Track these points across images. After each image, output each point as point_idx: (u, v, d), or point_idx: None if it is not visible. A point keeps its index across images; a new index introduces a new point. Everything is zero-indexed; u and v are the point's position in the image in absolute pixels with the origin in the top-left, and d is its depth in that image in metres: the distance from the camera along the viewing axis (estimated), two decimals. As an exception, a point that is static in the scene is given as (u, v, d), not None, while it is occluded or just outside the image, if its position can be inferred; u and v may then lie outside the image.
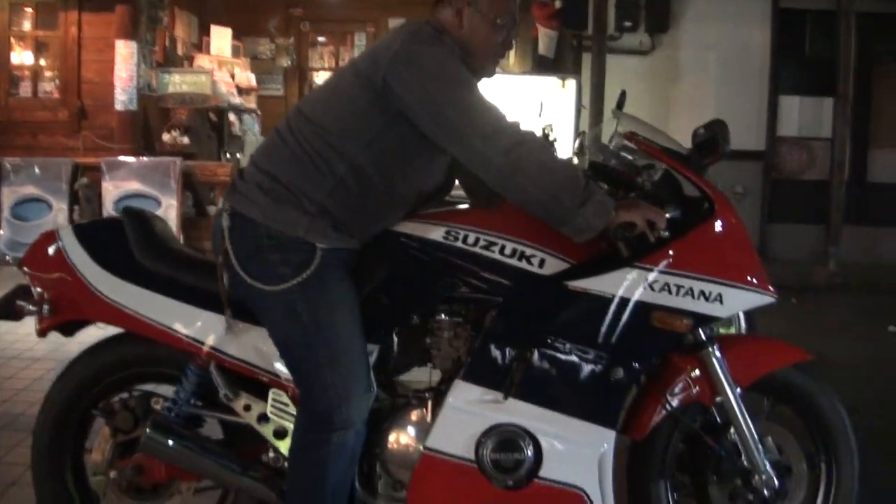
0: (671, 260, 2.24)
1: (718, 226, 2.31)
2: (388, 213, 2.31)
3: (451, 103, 2.14)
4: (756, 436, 2.36)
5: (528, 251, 2.25)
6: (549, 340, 2.24)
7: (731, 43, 9.26)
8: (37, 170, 8.84)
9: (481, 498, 2.22)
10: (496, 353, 2.23)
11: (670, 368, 2.37)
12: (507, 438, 2.20)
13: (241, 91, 10.36)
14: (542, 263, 2.25)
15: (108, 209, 8.61)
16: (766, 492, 2.37)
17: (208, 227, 8.35)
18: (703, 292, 2.24)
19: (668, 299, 2.23)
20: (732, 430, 2.37)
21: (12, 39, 9.67)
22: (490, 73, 2.41)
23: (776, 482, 2.38)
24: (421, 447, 2.23)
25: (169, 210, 8.50)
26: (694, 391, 2.36)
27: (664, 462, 2.41)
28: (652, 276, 2.23)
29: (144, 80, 9.25)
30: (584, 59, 8.83)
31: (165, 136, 9.40)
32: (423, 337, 2.34)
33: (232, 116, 9.97)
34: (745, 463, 2.37)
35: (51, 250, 2.41)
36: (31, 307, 2.40)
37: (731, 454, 2.38)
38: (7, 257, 8.64)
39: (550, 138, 6.18)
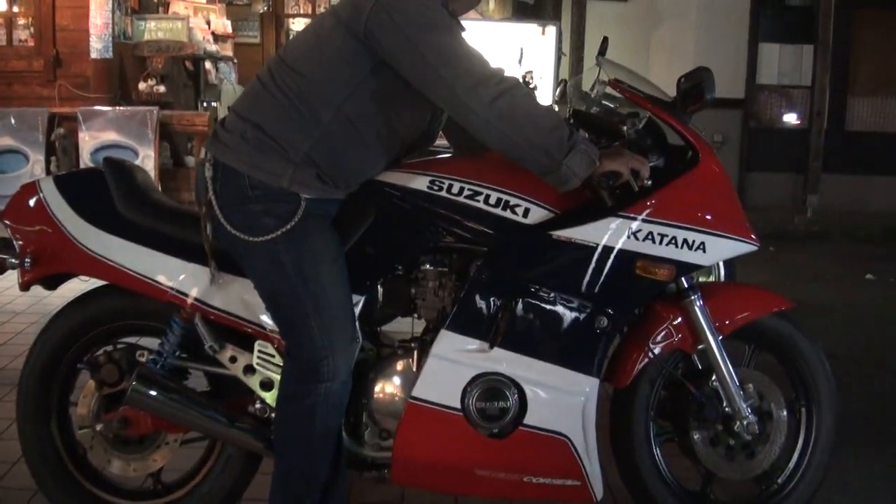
0: (655, 208, 2.25)
1: (702, 174, 2.32)
2: (372, 162, 2.29)
3: (434, 51, 2.11)
4: (737, 382, 2.39)
5: (513, 200, 2.24)
6: (533, 290, 2.25)
7: (712, -12, 9.21)
8: (12, 120, 8.70)
9: (467, 446, 2.25)
10: (481, 302, 2.24)
11: (653, 316, 2.40)
12: (492, 387, 2.23)
13: (218, 38, 10.20)
14: (526, 213, 2.24)
15: (85, 160, 8.51)
16: (747, 436, 2.42)
17: (186, 177, 8.34)
18: (686, 241, 2.26)
19: (652, 248, 2.24)
20: (714, 376, 2.41)
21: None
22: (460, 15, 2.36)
23: (757, 427, 2.42)
24: (407, 397, 2.25)
25: (146, 160, 8.41)
26: (676, 339, 2.38)
27: (647, 409, 2.44)
28: (636, 225, 2.24)
29: (120, 27, 9.09)
30: (564, 5, 8.77)
31: (142, 85, 9.26)
32: (408, 287, 2.34)
33: (208, 65, 9.84)
34: (727, 409, 2.41)
35: (31, 202, 2.38)
36: (12, 260, 2.36)
37: (713, 400, 2.41)
38: (-16, 209, 8.57)
39: (531, 85, 6.18)
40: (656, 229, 2.24)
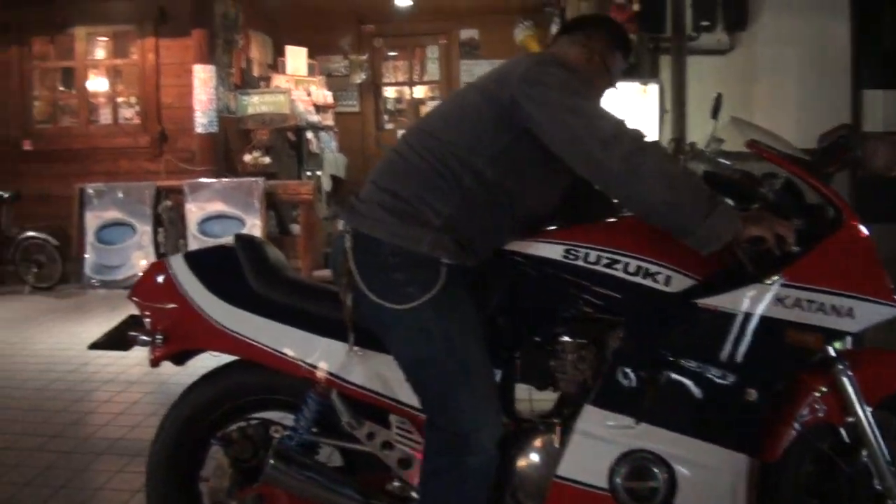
0: (802, 274, 2.15)
1: (847, 237, 2.20)
2: (507, 230, 2.29)
3: (571, 110, 2.15)
4: (888, 457, 2.23)
5: (653, 268, 2.18)
6: (679, 361, 2.16)
7: (811, 38, 8.99)
8: (120, 194, 9.02)
9: (616, 527, 2.15)
10: (625, 376, 2.17)
11: (799, 388, 2.26)
12: (640, 465, 2.13)
13: (319, 109, 10.46)
14: (667, 281, 2.17)
15: (192, 231, 8.74)
16: None
17: (293, 244, 8.47)
18: (834, 307, 2.15)
19: (800, 315, 2.13)
20: (864, 451, 2.25)
21: (91, 68, 9.90)
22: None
23: None
24: (551, 475, 2.17)
25: (253, 230, 8.60)
26: (824, 411, 2.24)
27: (796, 486, 2.29)
28: (783, 292, 2.14)
29: (223, 102, 9.39)
30: (662, 62, 8.69)
31: (246, 157, 9.53)
32: (546, 359, 2.27)
33: (310, 134, 10.07)
34: (878, 486, 2.24)
35: (161, 279, 2.41)
36: (143, 337, 2.39)
37: (864, 476, 2.25)
38: (93, 281, 8.82)
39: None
40: (804, 295, 2.14)
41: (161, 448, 2.46)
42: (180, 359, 2.51)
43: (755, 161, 2.86)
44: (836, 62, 9.02)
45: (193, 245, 8.70)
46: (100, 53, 10.09)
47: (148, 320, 2.40)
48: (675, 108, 7.79)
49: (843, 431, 2.28)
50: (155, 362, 2.42)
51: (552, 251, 2.24)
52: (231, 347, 2.34)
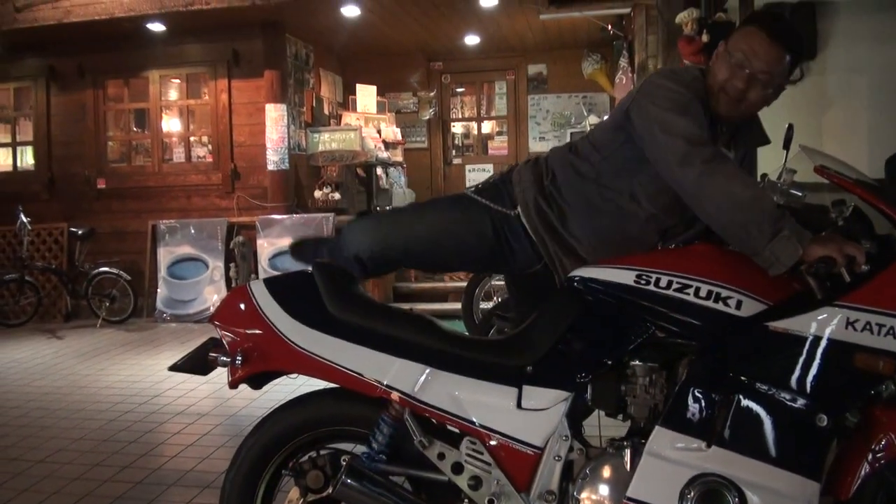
0: (873, 297, 2.13)
1: None
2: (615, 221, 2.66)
3: (662, 125, 2.34)
4: None
5: (724, 293, 2.19)
6: (750, 385, 2.16)
7: (882, 65, 8.87)
8: (192, 230, 9.26)
9: (686, 551, 2.14)
10: (696, 398, 2.17)
11: (873, 422, 2.23)
12: (711, 489, 2.12)
13: (388, 145, 10.60)
14: (738, 305, 2.18)
15: (264, 266, 8.92)
16: None
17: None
18: None
19: (871, 339, 2.11)
20: None
21: (165, 109, 10.23)
22: (728, 114, 2.55)
23: None
24: (621, 498, 2.17)
25: (323, 265, 8.72)
26: None
27: None
28: (854, 315, 2.12)
29: (294, 140, 9.60)
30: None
31: (317, 193, 9.69)
32: (618, 384, 2.29)
33: (379, 170, 10.21)
34: None
35: (243, 304, 2.47)
36: (223, 358, 2.44)
37: None
38: (165, 315, 9.03)
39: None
40: (875, 319, 2.11)
41: (235, 478, 2.49)
42: (258, 382, 2.54)
43: (827, 191, 2.87)
44: (905, 90, 8.90)
45: (265, 279, 8.85)
46: (173, 94, 10.42)
47: (228, 343, 2.46)
48: (746, 141, 7.74)
49: None
50: (234, 384, 2.46)
51: (624, 276, 2.27)
52: (308, 369, 2.39)
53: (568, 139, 9.97)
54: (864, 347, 2.11)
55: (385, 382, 2.32)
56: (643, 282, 2.25)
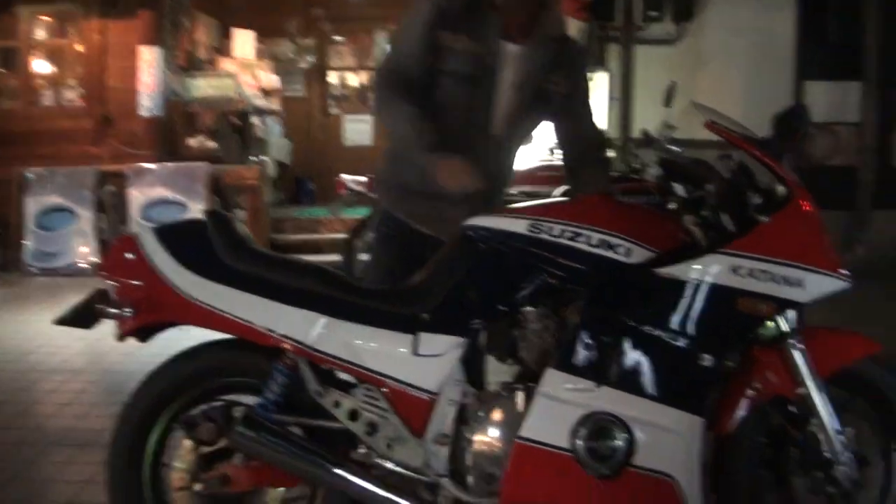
0: (755, 245, 2.27)
1: (796, 212, 2.33)
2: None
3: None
4: (838, 427, 2.35)
5: (614, 241, 2.27)
6: (638, 328, 2.26)
7: (756, 29, 9.25)
8: (61, 179, 8.87)
9: (576, 486, 2.23)
10: (587, 342, 2.25)
11: (753, 362, 2.37)
12: (601, 426, 2.22)
13: (265, 93, 10.39)
14: (628, 253, 2.27)
15: (135, 216, 8.65)
16: (847, 483, 2.36)
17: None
18: (785, 277, 2.26)
19: (754, 284, 2.25)
20: (813, 421, 2.36)
21: (33, 49, 9.72)
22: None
23: (857, 473, 2.37)
24: (514, 438, 2.24)
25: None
26: (776, 383, 2.35)
27: (750, 456, 2.40)
28: (737, 262, 2.25)
29: (169, 85, 9.28)
30: (609, 50, 8.83)
31: (192, 141, 9.43)
32: (511, 330, 2.35)
33: (255, 119, 9.99)
34: (827, 454, 2.35)
35: (131, 254, 2.39)
36: (111, 310, 2.37)
37: (813, 446, 2.37)
38: (33, 268, 8.67)
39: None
40: (757, 266, 2.25)
41: (125, 432, 2.42)
42: (145, 334, 2.47)
43: (707, 149, 2.97)
44: (780, 53, 9.27)
45: (138, 231, 8.60)
46: (43, 33, 9.89)
47: (116, 294, 2.38)
48: (623, 97, 7.95)
49: (794, 404, 2.39)
50: (122, 336, 2.39)
51: (518, 225, 2.33)
52: (201, 320, 2.35)
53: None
54: (747, 292, 2.25)
55: (279, 332, 2.30)
56: (536, 230, 2.30)
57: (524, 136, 2.89)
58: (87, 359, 5.37)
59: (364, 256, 6.89)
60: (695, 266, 2.26)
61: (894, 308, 6.61)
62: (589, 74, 7.50)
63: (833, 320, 2.51)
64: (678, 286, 2.25)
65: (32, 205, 8.87)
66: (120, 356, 5.22)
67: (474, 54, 2.61)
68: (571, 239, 2.28)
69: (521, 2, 2.63)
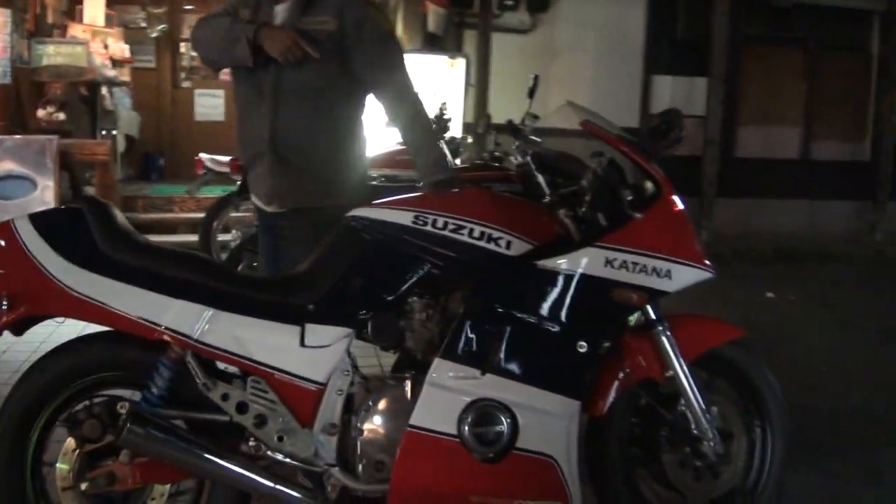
0: (627, 239, 2.43)
1: (666, 207, 2.51)
2: None
3: None
4: (704, 406, 2.54)
5: (495, 234, 2.36)
6: (519, 318, 2.36)
7: (608, 23, 9.58)
8: None
9: (463, 472, 2.31)
10: (471, 331, 2.33)
11: (624, 348, 2.52)
12: (486, 413, 2.31)
13: (115, 63, 9.98)
14: (508, 245, 2.36)
15: (-23, 191, 8.20)
16: (713, 457, 2.58)
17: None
18: (655, 269, 2.43)
19: (626, 276, 2.41)
20: (681, 401, 2.55)
21: None
22: None
23: (722, 448, 2.58)
24: (403, 426, 2.29)
25: (45, 192, 8.12)
26: (646, 367, 2.52)
27: (622, 436, 2.57)
28: (612, 255, 2.40)
29: (17, 50, 8.80)
30: (467, 37, 8.95)
31: (40, 112, 8.96)
32: (397, 319, 2.40)
33: (104, 90, 9.60)
34: (695, 431, 2.55)
35: (6, 243, 2.29)
36: None
37: (682, 423, 2.56)
38: None
39: (445, 116, 6.29)
40: (630, 258, 2.41)
41: (4, 432, 2.32)
42: (20, 328, 2.37)
43: (574, 138, 3.10)
44: (630, 47, 9.64)
45: (-24, 207, 8.17)
46: None
47: None
48: (479, 83, 8.08)
49: (661, 385, 2.58)
50: None
51: (402, 217, 2.38)
52: (82, 312, 2.28)
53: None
54: (620, 283, 2.40)
55: (164, 325, 2.26)
56: (420, 222, 2.36)
57: (317, 89, 2.92)
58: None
59: (222, 237, 6.78)
60: (572, 258, 2.39)
61: (738, 289, 7.04)
62: (450, 60, 7.60)
63: (685, 303, 2.69)
64: (556, 277, 2.37)
65: None
66: (7, 346, 4.97)
67: (250, 22, 2.90)
68: (454, 231, 2.35)
69: None
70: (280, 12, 2.93)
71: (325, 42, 2.83)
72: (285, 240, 3.02)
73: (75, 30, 9.83)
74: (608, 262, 2.39)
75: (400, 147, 6.16)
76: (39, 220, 2.34)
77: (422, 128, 2.97)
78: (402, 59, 2.97)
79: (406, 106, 2.93)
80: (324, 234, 2.57)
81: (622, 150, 2.50)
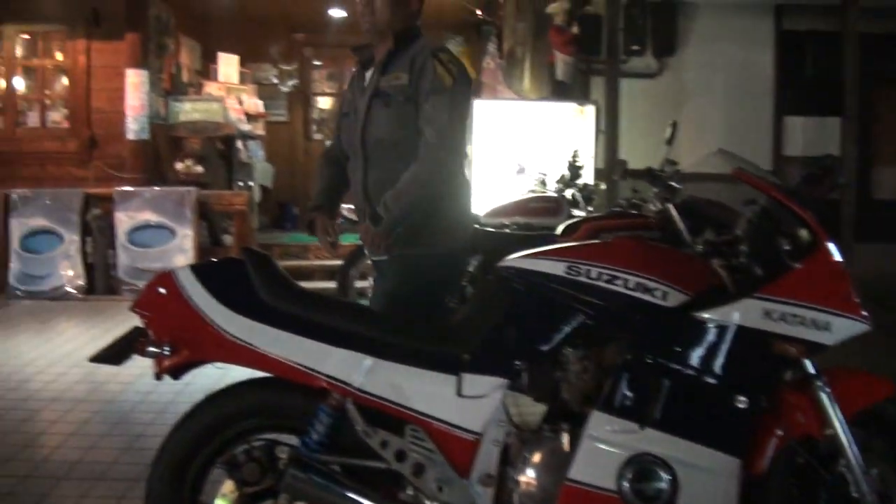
0: (787, 290, 2.35)
1: (823, 258, 2.42)
2: None
3: None
4: (864, 467, 2.41)
5: (651, 284, 2.33)
6: (677, 370, 2.32)
7: (736, 65, 9.40)
8: (47, 201, 8.78)
9: (623, 527, 2.27)
10: (629, 384, 2.30)
11: (782, 403, 2.43)
12: (646, 468, 2.26)
13: (250, 118, 10.40)
14: (664, 296, 2.32)
15: (122, 240, 8.59)
16: None
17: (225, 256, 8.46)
18: (814, 321, 2.35)
19: (785, 328, 2.33)
20: (841, 461, 2.42)
21: (18, 68, 9.64)
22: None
23: None
24: (561, 480, 2.27)
25: (184, 240, 8.50)
26: (805, 424, 2.42)
27: (781, 495, 2.46)
28: (770, 306, 2.33)
29: (154, 108, 9.25)
30: (593, 83, 8.94)
31: (179, 165, 9.40)
32: (552, 371, 2.39)
33: (239, 143, 10.00)
34: (854, 494, 2.41)
35: (168, 291, 2.39)
36: (151, 349, 2.36)
37: (842, 486, 2.43)
38: (18, 291, 8.55)
39: (577, 164, 6.30)
40: (789, 310, 2.33)
41: (163, 473, 2.40)
42: (178, 372, 2.46)
43: (712, 182, 3.06)
44: (759, 88, 9.43)
45: (123, 255, 8.55)
46: (27, 53, 9.81)
47: (154, 332, 2.37)
48: (609, 129, 8.05)
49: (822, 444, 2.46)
50: (160, 374, 2.39)
51: (555, 267, 2.37)
52: (243, 359, 2.35)
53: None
54: (780, 335, 2.32)
55: (325, 372, 2.31)
56: (573, 272, 2.35)
57: (395, 140, 3.05)
58: (86, 387, 5.28)
59: (359, 284, 6.92)
60: (730, 310, 2.33)
61: (881, 339, 6.70)
62: (578, 107, 7.64)
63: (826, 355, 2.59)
64: (714, 329, 2.32)
65: (17, 227, 8.76)
66: (120, 385, 5.19)
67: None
68: (609, 282, 2.33)
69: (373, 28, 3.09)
70: (367, 77, 3.15)
71: (398, 96, 3.00)
72: (385, 281, 3.13)
73: (210, 87, 10.31)
74: (767, 314, 2.32)
75: (532, 195, 6.25)
76: (200, 270, 2.44)
77: (404, 185, 2.96)
78: (441, 116, 2.94)
79: (417, 161, 2.96)
80: (413, 280, 2.93)
81: (777, 198, 2.44)
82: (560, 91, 8.19)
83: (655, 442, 2.28)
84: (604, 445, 2.28)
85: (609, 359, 2.39)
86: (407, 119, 2.99)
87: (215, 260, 2.64)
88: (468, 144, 9.70)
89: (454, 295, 3.87)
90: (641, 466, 2.26)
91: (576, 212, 5.80)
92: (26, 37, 9.70)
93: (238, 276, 2.41)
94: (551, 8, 7.92)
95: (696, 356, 2.32)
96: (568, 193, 6.10)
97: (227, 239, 8.97)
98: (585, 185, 6.24)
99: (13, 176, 9.10)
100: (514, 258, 2.46)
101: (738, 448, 2.31)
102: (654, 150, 5.80)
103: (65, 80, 9.47)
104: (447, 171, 2.99)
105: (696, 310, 2.33)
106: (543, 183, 6.48)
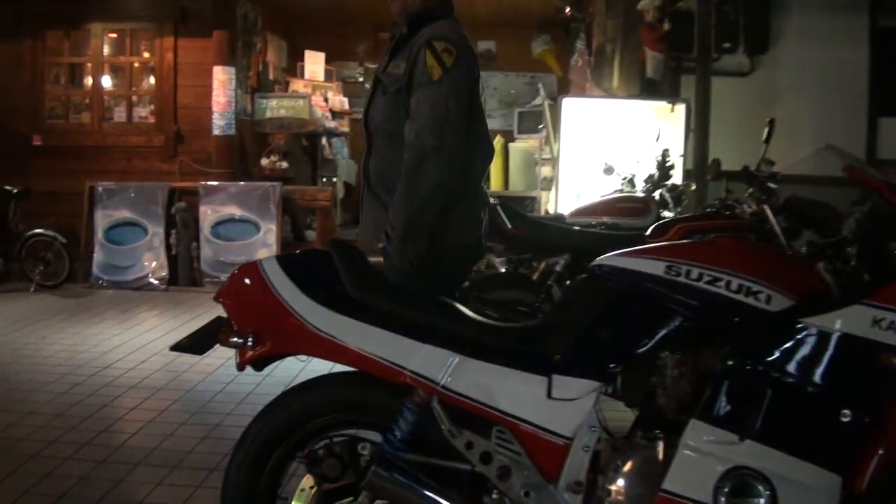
0: None
1: None
2: None
3: None
4: None
5: (754, 287, 2.19)
6: (780, 379, 2.18)
7: (830, 64, 9.10)
8: (132, 193, 8.96)
9: (716, 544, 2.15)
10: (729, 392, 2.17)
11: (885, 419, 2.26)
12: (744, 482, 2.13)
13: (335, 115, 10.46)
14: (768, 300, 2.18)
15: (206, 234, 8.71)
16: None
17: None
18: None
19: (895, 338, 2.15)
20: None
21: (107, 65, 9.86)
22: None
23: None
24: (655, 490, 2.16)
25: (268, 235, 8.58)
26: None
27: None
28: (879, 314, 2.16)
29: (241, 104, 9.36)
30: (683, 82, 8.76)
31: (264, 161, 9.50)
32: (648, 375, 2.28)
33: (324, 140, 10.06)
34: None
35: (252, 281, 2.36)
36: (234, 339, 2.33)
37: None
38: (101, 281, 8.74)
39: (667, 163, 6.15)
40: None
41: (242, 463, 2.38)
42: (261, 364, 2.43)
43: (808, 184, 2.91)
44: (854, 88, 9.11)
45: (206, 248, 8.67)
46: (116, 50, 10.03)
47: (237, 322, 2.35)
48: (699, 128, 7.85)
49: None
50: (243, 365, 2.35)
51: (654, 266, 2.26)
52: (328, 352, 2.30)
53: (515, 118, 9.98)
54: (889, 346, 2.15)
55: (411, 369, 2.25)
56: (673, 273, 2.24)
57: (392, 129, 3.04)
58: (165, 376, 5.37)
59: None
60: (837, 317, 2.17)
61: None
62: (669, 105, 7.49)
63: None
64: (820, 337, 2.17)
65: (102, 218, 8.97)
66: (198, 374, 5.26)
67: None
68: (710, 283, 2.21)
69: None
70: (381, 63, 3.22)
71: (391, 86, 3.03)
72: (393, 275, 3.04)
73: (297, 85, 10.39)
74: (875, 322, 2.14)
75: (619, 195, 6.12)
76: (287, 261, 2.40)
77: (401, 187, 2.93)
78: (427, 109, 2.90)
79: (406, 157, 2.92)
80: (421, 275, 2.93)
81: (889, 196, 2.29)
82: (650, 89, 8.02)
83: (755, 455, 2.14)
84: (701, 456, 2.15)
85: (706, 364, 2.26)
86: (399, 109, 2.99)
87: (301, 252, 2.60)
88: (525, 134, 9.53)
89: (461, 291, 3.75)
90: (740, 480, 2.13)
91: (665, 213, 5.65)
92: (114, 35, 9.90)
93: (324, 267, 2.37)
94: (642, 4, 7.75)
95: (799, 365, 2.18)
96: (656, 194, 5.95)
97: (311, 234, 9.04)
98: (675, 186, 6.08)
99: (100, 169, 9.32)
100: (611, 256, 2.37)
101: (840, 464, 2.16)
102: (745, 150, 5.62)
103: (152, 78, 9.61)
104: (435, 168, 2.89)
105: (800, 315, 2.19)
106: (631, 182, 6.34)
